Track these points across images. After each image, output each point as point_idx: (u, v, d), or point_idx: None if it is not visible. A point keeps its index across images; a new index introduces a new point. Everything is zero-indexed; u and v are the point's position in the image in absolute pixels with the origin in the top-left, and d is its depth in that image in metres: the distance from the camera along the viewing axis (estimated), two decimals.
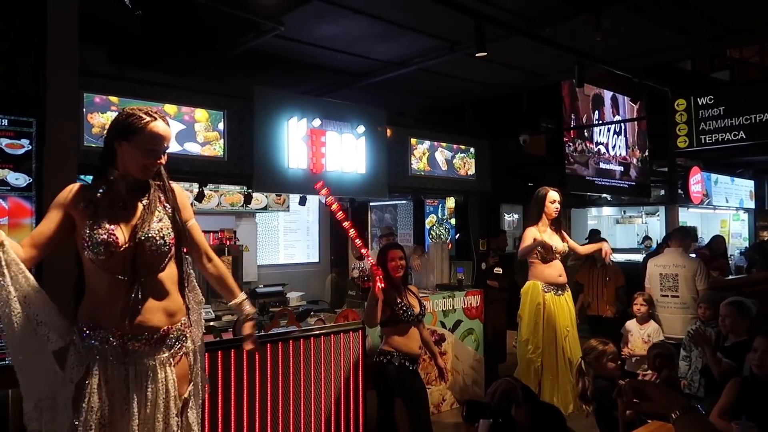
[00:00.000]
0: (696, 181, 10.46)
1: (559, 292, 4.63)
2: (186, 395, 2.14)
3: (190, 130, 4.10)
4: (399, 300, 3.66)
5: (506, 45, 5.03)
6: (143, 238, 2.00)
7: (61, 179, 2.90)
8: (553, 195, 4.68)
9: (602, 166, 8.80)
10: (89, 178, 3.96)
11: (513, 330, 6.08)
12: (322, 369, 4.15)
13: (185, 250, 2.23)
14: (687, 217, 11.53)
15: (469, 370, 5.46)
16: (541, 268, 4.62)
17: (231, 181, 5.24)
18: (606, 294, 6.17)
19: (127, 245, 1.98)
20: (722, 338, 4.04)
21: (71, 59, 3.05)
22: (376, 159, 5.08)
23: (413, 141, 5.53)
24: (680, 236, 5.70)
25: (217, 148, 4.22)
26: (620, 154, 9.24)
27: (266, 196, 6.69)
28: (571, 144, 8.13)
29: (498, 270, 6.34)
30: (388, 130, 5.27)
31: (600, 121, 8.77)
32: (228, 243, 6.40)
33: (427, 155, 5.63)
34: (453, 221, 8.26)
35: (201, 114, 4.15)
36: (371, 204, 8.61)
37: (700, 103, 5.88)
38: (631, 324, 4.98)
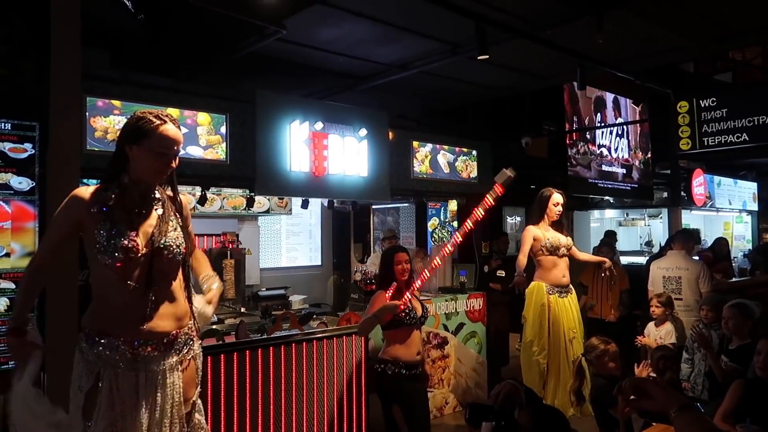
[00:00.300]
0: (699, 183, 10.44)
1: (564, 293, 4.62)
2: (194, 398, 2.15)
3: (193, 133, 4.11)
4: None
5: (508, 47, 5.03)
6: (162, 246, 2.01)
7: (64, 183, 2.91)
8: (556, 197, 4.67)
9: (605, 168, 8.79)
10: (93, 182, 3.98)
11: (515, 333, 6.06)
12: (325, 372, 4.14)
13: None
14: (690, 219, 11.50)
15: (472, 373, 5.44)
16: (548, 267, 4.60)
17: (233, 184, 5.24)
18: (611, 297, 6.12)
19: (145, 251, 1.98)
20: (726, 341, 4.03)
21: (74, 63, 3.06)
22: (378, 162, 5.09)
23: (415, 144, 5.53)
24: (683, 239, 5.68)
25: (219, 152, 4.23)
26: (623, 157, 9.23)
27: (268, 200, 6.70)
28: (573, 146, 8.13)
29: (501, 273, 6.32)
30: (390, 133, 5.28)
31: (602, 124, 8.77)
32: (230, 246, 6.40)
33: (429, 158, 5.63)
34: (455, 224, 8.25)
35: (203, 117, 4.16)
36: (373, 207, 8.60)
37: (702, 105, 5.88)
38: (650, 326, 4.94)
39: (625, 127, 9.28)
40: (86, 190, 2.05)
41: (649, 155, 9.86)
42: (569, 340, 4.55)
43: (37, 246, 2.90)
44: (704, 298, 4.92)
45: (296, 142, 4.56)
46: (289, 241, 7.96)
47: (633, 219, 12.19)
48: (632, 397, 1.46)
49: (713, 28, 5.10)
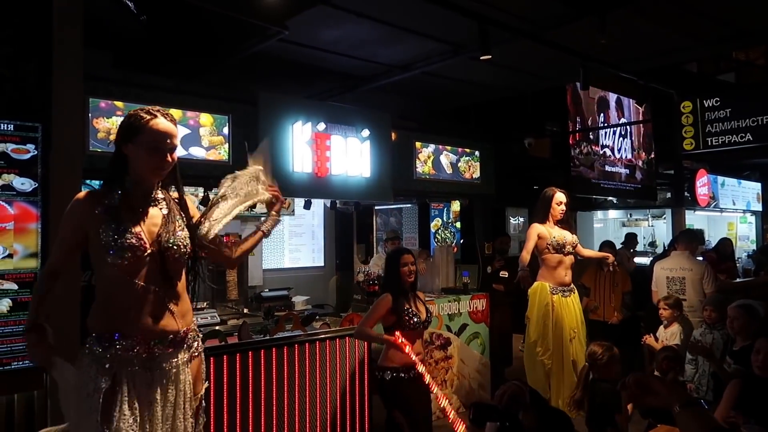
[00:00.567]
0: (702, 184, 10.41)
1: (566, 293, 4.59)
2: (200, 394, 2.17)
3: (195, 134, 4.11)
4: (407, 306, 3.57)
5: (510, 48, 5.02)
6: (169, 245, 2.01)
7: (67, 184, 2.91)
8: (560, 197, 4.64)
9: (608, 168, 8.77)
10: (95, 183, 3.98)
11: (519, 333, 6.05)
12: (328, 373, 4.14)
13: (202, 254, 2.25)
14: (693, 219, 11.47)
15: (475, 374, 5.43)
16: (552, 266, 4.57)
17: None
18: (613, 299, 6.08)
19: (151, 251, 1.98)
20: (731, 341, 4.01)
21: (77, 64, 3.06)
22: (380, 163, 5.08)
23: (418, 144, 5.52)
24: (687, 239, 5.66)
25: (222, 153, 4.23)
26: (626, 157, 9.21)
27: None
28: (576, 147, 8.11)
29: (504, 273, 6.30)
30: (393, 134, 5.27)
31: (605, 124, 8.75)
32: None
33: (431, 159, 5.62)
34: (458, 225, 8.25)
35: (206, 118, 4.16)
36: (376, 208, 8.60)
37: (706, 105, 5.86)
38: (660, 329, 4.92)
39: (628, 127, 9.26)
40: (88, 193, 2.06)
41: (653, 155, 9.83)
42: (569, 339, 4.53)
43: (39, 247, 2.90)
44: (708, 298, 4.90)
45: (299, 143, 4.56)
46: (291, 242, 7.94)
47: (636, 219, 12.17)
48: (636, 392, 1.46)
49: (716, 28, 5.09)
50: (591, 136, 8.43)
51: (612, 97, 8.95)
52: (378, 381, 3.65)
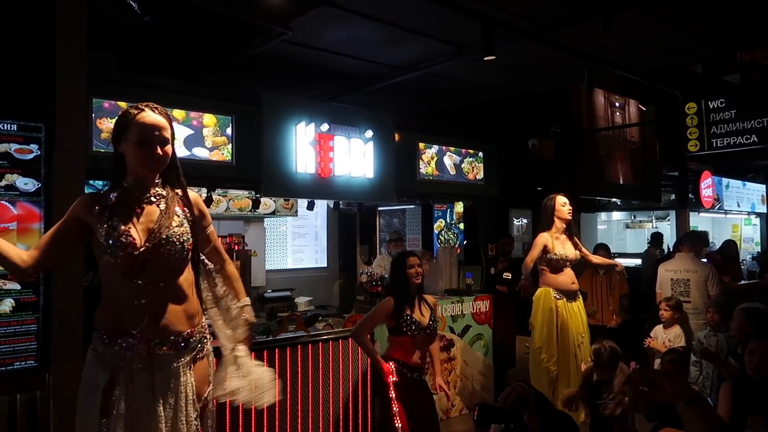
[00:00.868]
0: (707, 185, 10.36)
1: (571, 299, 4.56)
2: (206, 395, 2.13)
3: (199, 135, 4.11)
4: (408, 313, 3.45)
5: (515, 49, 5.01)
6: (162, 241, 1.97)
7: (70, 184, 2.91)
8: (561, 198, 4.62)
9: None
10: (99, 183, 3.98)
11: (522, 335, 6.02)
12: (331, 374, 4.13)
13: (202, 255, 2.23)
14: (698, 221, 11.42)
15: (478, 376, 5.41)
16: (553, 276, 4.55)
17: (239, 185, 5.24)
18: (611, 303, 6.02)
19: (144, 248, 1.95)
20: (735, 344, 3.99)
21: (80, 65, 3.06)
22: (384, 164, 5.07)
23: (421, 145, 5.51)
24: (691, 241, 5.64)
25: (225, 153, 4.23)
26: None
27: (274, 201, 6.70)
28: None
29: (507, 275, 6.28)
30: (396, 135, 5.26)
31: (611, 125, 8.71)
32: (236, 248, 6.40)
33: (435, 160, 5.61)
34: (461, 226, 8.23)
35: (209, 119, 4.16)
36: (379, 209, 8.60)
37: (711, 107, 5.83)
38: (658, 329, 4.89)
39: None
40: (92, 194, 2.07)
41: (657, 156, 9.79)
42: (577, 345, 4.49)
43: (42, 246, 2.89)
44: (711, 300, 4.88)
45: (302, 144, 4.56)
46: (294, 242, 7.95)
47: (640, 221, 12.12)
48: (641, 388, 1.45)
49: (721, 29, 5.07)
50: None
51: (616, 98, 8.92)
52: (380, 375, 3.60)
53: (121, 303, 1.98)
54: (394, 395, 3.41)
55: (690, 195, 10.05)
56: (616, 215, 12.14)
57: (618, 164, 8.85)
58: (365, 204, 6.76)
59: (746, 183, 12.26)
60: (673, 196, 10.54)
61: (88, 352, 2.02)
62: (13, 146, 2.87)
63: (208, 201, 4.47)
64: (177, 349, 2.01)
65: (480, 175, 6.00)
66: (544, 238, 4.54)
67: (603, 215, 11.84)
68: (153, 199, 2.05)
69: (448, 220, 8.59)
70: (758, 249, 12.47)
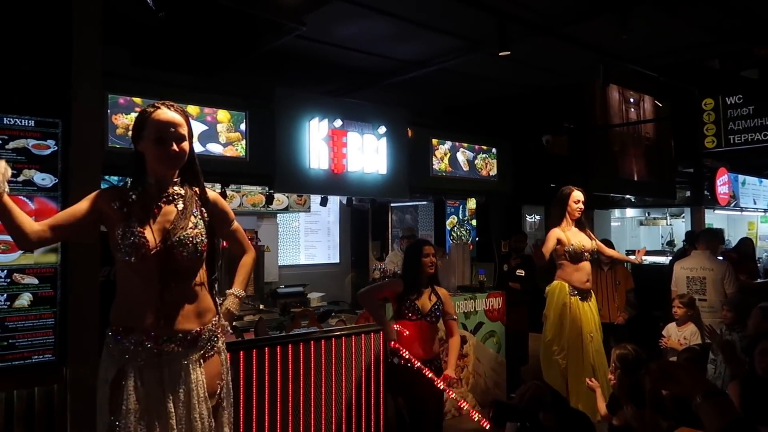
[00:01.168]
0: (723, 182, 10.24)
1: (585, 298, 4.52)
2: (219, 393, 2.14)
3: (213, 130, 4.13)
4: (412, 298, 3.50)
5: (529, 44, 4.97)
6: (175, 242, 1.99)
7: (87, 180, 2.93)
8: (577, 195, 4.57)
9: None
10: (114, 179, 4.01)
11: (535, 332, 5.99)
12: (343, 369, 4.13)
13: (224, 245, 2.24)
14: (713, 219, 11.31)
15: (491, 373, 5.40)
16: (570, 271, 4.51)
17: (253, 181, 5.26)
18: (617, 298, 5.94)
19: (157, 248, 1.97)
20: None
21: (96, 61, 3.08)
22: (397, 159, 5.06)
23: (435, 141, 5.50)
24: (708, 238, 5.58)
25: (239, 149, 4.24)
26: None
27: (287, 197, 6.71)
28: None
29: (520, 272, 6.25)
30: (409, 131, 5.25)
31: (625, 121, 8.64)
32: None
33: (448, 156, 5.59)
34: (474, 222, 8.21)
35: (223, 115, 4.17)
36: (392, 205, 8.59)
37: (728, 103, 5.76)
38: (671, 327, 4.84)
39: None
40: (112, 187, 2.09)
41: (672, 153, 9.69)
42: (588, 341, 4.46)
43: (59, 243, 2.92)
44: (726, 298, 4.83)
45: (315, 140, 4.56)
46: (307, 238, 7.97)
47: (654, 218, 12.02)
48: (659, 379, 1.44)
49: (739, 23, 4.99)
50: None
51: (632, 94, 8.84)
52: (389, 365, 3.59)
53: (133, 300, 2.00)
54: (397, 383, 3.40)
55: (705, 192, 9.95)
56: (630, 212, 12.04)
57: (632, 161, 8.78)
58: (378, 200, 6.76)
59: (763, 180, 12.11)
60: (688, 193, 10.42)
61: (103, 349, 2.04)
62: (31, 142, 2.89)
63: (222, 197, 4.48)
64: (185, 346, 2.01)
65: (493, 172, 5.97)
66: (555, 234, 4.51)
67: (617, 212, 11.74)
68: (171, 198, 2.06)
69: (461, 217, 8.57)
70: None
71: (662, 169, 9.43)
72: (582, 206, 4.57)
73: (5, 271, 2.81)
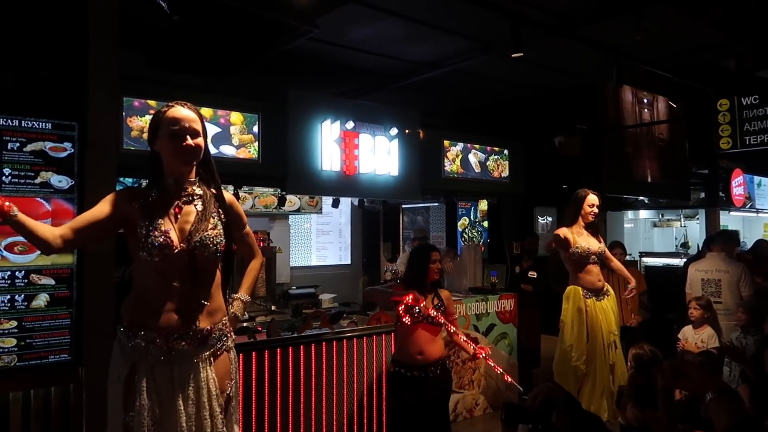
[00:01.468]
0: (738, 184, 10.13)
1: (601, 296, 4.48)
2: (229, 391, 2.16)
3: (226, 132, 4.15)
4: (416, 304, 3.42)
5: (542, 45, 4.96)
6: (198, 243, 2.01)
7: (103, 181, 2.97)
8: (592, 199, 4.51)
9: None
10: (129, 181, 4.05)
11: (547, 335, 5.96)
12: (355, 371, 4.14)
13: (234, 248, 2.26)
14: (728, 220, 11.17)
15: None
16: (580, 275, 4.48)
17: (265, 183, 5.28)
18: (630, 301, 5.89)
19: (180, 249, 2.00)
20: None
21: (112, 64, 3.11)
22: (409, 161, 5.06)
23: (446, 143, 5.49)
24: (723, 240, 5.52)
25: (251, 151, 4.26)
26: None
27: (299, 198, 6.74)
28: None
29: (532, 273, 6.22)
30: (421, 132, 5.25)
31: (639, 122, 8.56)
32: (261, 245, 6.45)
33: (460, 157, 5.58)
34: (486, 224, 8.19)
35: (236, 117, 4.20)
36: (403, 206, 8.59)
37: (744, 103, 5.70)
38: (687, 329, 4.79)
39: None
40: (129, 188, 2.11)
41: (686, 154, 9.59)
42: (608, 344, 4.41)
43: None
44: (741, 301, 4.78)
45: (327, 142, 4.57)
46: (319, 240, 8.00)
47: (668, 220, 11.91)
48: (671, 376, 1.44)
49: (755, 22, 4.94)
50: None
51: (646, 95, 8.76)
52: (390, 374, 3.56)
53: (147, 298, 2.03)
54: (389, 391, 3.37)
55: (720, 193, 9.84)
56: (644, 214, 11.93)
57: (646, 162, 8.70)
58: (389, 201, 6.76)
59: None
60: (702, 195, 10.32)
61: (114, 344, 2.07)
62: (48, 144, 2.93)
63: (235, 198, 4.51)
64: (196, 344, 2.03)
65: (505, 173, 5.95)
66: (563, 232, 4.46)
67: (630, 213, 11.64)
68: (191, 198, 2.08)
69: (472, 218, 8.55)
70: None
71: (676, 170, 9.34)
72: (596, 210, 4.52)
73: (23, 272, 2.85)
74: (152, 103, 3.80)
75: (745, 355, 3.89)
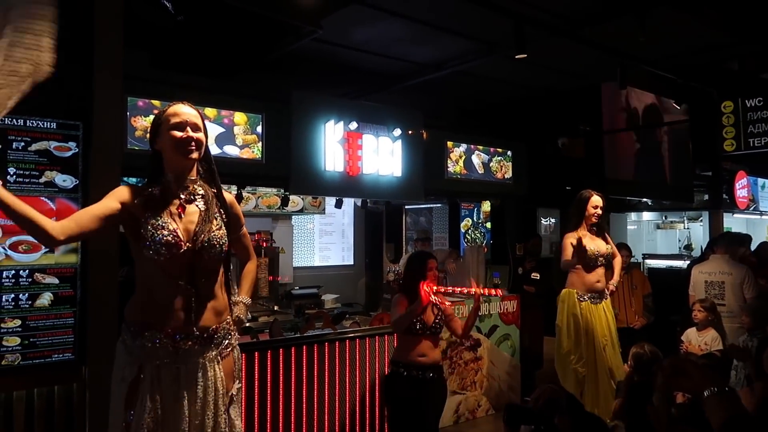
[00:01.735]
0: (742, 186, 10.11)
1: (597, 299, 4.45)
2: (233, 391, 2.16)
3: (229, 133, 4.16)
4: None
5: (545, 46, 4.96)
6: (205, 243, 2.02)
7: (107, 181, 2.97)
8: (596, 200, 4.49)
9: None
10: (133, 180, 4.06)
11: (550, 336, 5.96)
12: (357, 371, 4.15)
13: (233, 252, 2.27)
14: (732, 222, 11.14)
15: (505, 376, 5.38)
16: (582, 275, 4.46)
17: (268, 183, 5.29)
18: (634, 303, 5.87)
19: (186, 248, 2.00)
20: None
21: (116, 64, 3.12)
22: (412, 162, 5.07)
23: (450, 144, 5.49)
24: (726, 242, 5.51)
25: (255, 151, 4.27)
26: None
27: (302, 199, 6.75)
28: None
29: (535, 275, 6.22)
30: (425, 133, 5.25)
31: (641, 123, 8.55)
32: (264, 245, 6.47)
33: (463, 158, 5.58)
34: (489, 225, 8.18)
35: (240, 117, 4.21)
36: (406, 207, 8.59)
37: (748, 105, 5.69)
38: (690, 332, 4.77)
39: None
40: (130, 185, 2.11)
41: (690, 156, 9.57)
42: (603, 347, 4.40)
43: (79, 242, 2.97)
44: (745, 304, 4.76)
45: (331, 142, 4.58)
46: (322, 240, 8.00)
47: (672, 222, 11.88)
48: (670, 374, 1.45)
49: (759, 24, 4.94)
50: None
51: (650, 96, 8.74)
52: (388, 375, 3.56)
53: (152, 297, 2.03)
54: (386, 391, 3.38)
55: (724, 195, 9.81)
56: (647, 215, 11.91)
57: (649, 163, 8.69)
58: (392, 202, 6.76)
59: None
60: (706, 197, 10.29)
61: (117, 345, 2.06)
62: (53, 144, 2.95)
63: (238, 198, 4.52)
64: (201, 344, 2.04)
65: (508, 174, 5.95)
66: (570, 238, 4.44)
67: (633, 215, 11.62)
68: (192, 197, 2.09)
69: (475, 219, 8.55)
70: None
71: (680, 172, 9.32)
72: (600, 212, 4.51)
73: (27, 271, 2.86)
74: (156, 103, 3.81)
75: (750, 354, 3.88)
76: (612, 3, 4.43)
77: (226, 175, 4.21)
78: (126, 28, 3.18)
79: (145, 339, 1.98)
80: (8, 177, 2.82)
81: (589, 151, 8.36)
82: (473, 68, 5.82)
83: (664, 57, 5.67)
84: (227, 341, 2.14)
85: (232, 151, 4.16)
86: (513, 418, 1.73)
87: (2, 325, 2.80)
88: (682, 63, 6.10)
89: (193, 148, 2.06)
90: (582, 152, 8.27)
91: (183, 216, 2.05)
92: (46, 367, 2.89)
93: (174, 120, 2.04)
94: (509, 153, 5.96)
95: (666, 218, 11.96)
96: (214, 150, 4.01)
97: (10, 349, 2.81)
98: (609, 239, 4.62)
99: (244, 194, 5.46)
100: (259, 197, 6.33)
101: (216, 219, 2.09)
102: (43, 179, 2.91)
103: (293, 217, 7.27)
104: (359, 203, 6.80)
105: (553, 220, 9.50)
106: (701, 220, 11.19)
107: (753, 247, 8.08)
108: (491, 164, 5.81)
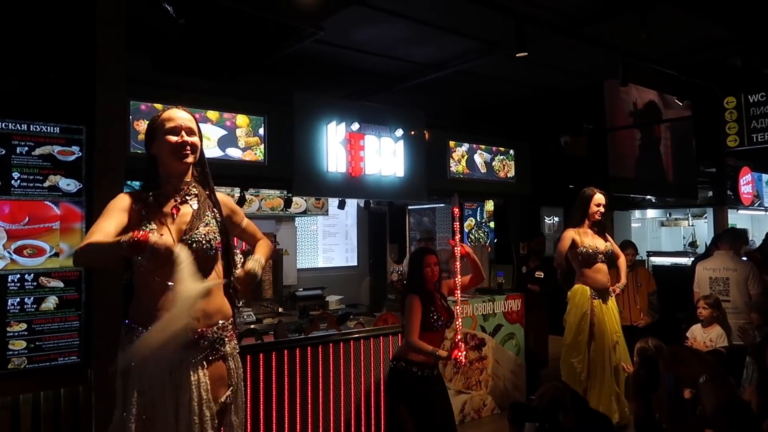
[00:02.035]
0: (746, 182, 10.07)
1: (607, 297, 4.47)
2: (223, 399, 2.11)
3: (232, 135, 4.17)
4: (433, 308, 3.50)
5: (547, 44, 4.95)
6: (190, 241, 2.03)
7: (110, 185, 2.99)
8: (598, 198, 4.51)
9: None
10: (136, 184, 4.07)
11: (554, 335, 5.95)
12: (362, 372, 4.15)
13: (243, 247, 2.28)
14: (736, 219, 11.11)
15: (510, 375, 5.37)
16: (588, 273, 4.47)
17: (271, 185, 5.30)
18: (638, 301, 5.85)
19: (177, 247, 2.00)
20: None
21: (119, 68, 3.14)
22: (414, 162, 5.07)
23: (452, 144, 5.49)
24: (730, 238, 5.49)
25: (257, 153, 4.28)
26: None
27: (305, 200, 6.75)
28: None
29: (539, 273, 6.21)
30: (427, 133, 5.25)
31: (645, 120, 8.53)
32: None
33: (465, 158, 5.58)
34: (492, 224, 8.17)
35: (242, 120, 4.22)
36: (409, 207, 8.58)
37: (751, 101, 5.68)
38: (696, 328, 4.76)
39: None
40: (130, 192, 2.15)
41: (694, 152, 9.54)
42: (612, 346, 4.40)
43: None
44: (752, 301, 4.75)
45: (333, 143, 4.58)
46: (325, 241, 8.00)
47: (676, 219, 11.85)
48: (670, 361, 1.46)
49: (761, 20, 4.92)
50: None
51: (653, 93, 8.73)
52: (390, 371, 3.57)
53: (145, 299, 2.04)
54: (400, 389, 3.41)
55: (728, 192, 9.78)
56: (651, 213, 11.88)
57: (653, 161, 8.67)
58: (395, 203, 6.76)
59: None
60: (710, 193, 10.26)
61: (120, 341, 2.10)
62: (56, 148, 2.96)
63: (241, 201, 4.53)
64: (188, 346, 2.00)
65: (511, 173, 5.94)
66: (570, 233, 4.48)
67: (637, 213, 11.59)
68: (186, 198, 2.11)
69: (479, 219, 8.53)
70: None
71: (683, 168, 9.30)
72: (603, 209, 4.52)
73: (32, 275, 2.87)
74: (159, 106, 3.82)
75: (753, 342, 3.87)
76: (613, 0, 4.42)
77: (229, 177, 4.25)
78: (128, 32, 3.19)
79: (136, 338, 1.99)
80: (12, 181, 2.83)
81: (592, 149, 8.34)
82: (475, 68, 5.81)
83: (667, 54, 5.65)
84: (216, 347, 2.08)
85: (234, 153, 4.17)
86: (517, 416, 1.73)
87: (8, 329, 2.81)
88: (685, 60, 6.09)
89: (188, 152, 2.09)
90: (585, 150, 8.25)
91: (176, 217, 2.08)
92: (51, 370, 2.90)
93: (169, 125, 2.07)
94: (512, 152, 5.96)
95: (670, 215, 11.93)
96: (217, 153, 4.03)
97: (17, 352, 2.82)
98: (609, 238, 4.65)
99: (247, 196, 5.47)
100: (262, 199, 6.34)
101: (206, 217, 2.11)
102: (47, 183, 2.92)
103: (296, 218, 7.28)
104: (362, 204, 6.80)
105: (556, 219, 9.48)
106: (706, 217, 11.16)
107: (758, 242, 8.07)
108: (494, 163, 5.81)
